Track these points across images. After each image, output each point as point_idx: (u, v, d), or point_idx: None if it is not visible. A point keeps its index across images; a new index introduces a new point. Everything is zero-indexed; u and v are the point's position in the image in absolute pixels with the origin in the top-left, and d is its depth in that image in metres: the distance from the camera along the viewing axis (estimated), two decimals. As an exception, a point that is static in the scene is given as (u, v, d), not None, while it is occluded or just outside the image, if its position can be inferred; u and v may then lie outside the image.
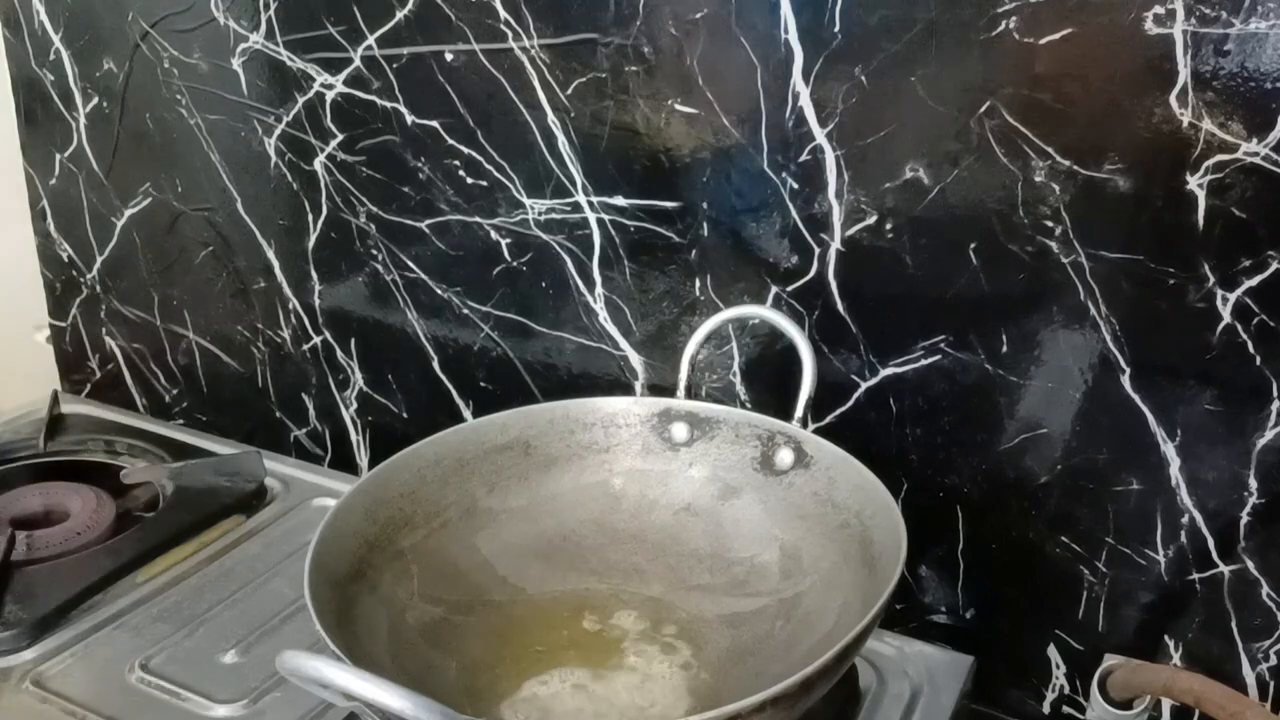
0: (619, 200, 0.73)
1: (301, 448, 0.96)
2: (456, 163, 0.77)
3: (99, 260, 1.01)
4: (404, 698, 0.39)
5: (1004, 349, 0.64)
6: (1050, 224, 0.60)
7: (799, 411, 0.63)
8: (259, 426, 0.98)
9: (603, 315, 0.77)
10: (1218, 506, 0.62)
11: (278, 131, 0.84)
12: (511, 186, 0.76)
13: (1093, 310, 0.61)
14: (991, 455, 0.67)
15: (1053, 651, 0.69)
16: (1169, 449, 0.62)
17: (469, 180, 0.77)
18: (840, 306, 0.68)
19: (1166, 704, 0.68)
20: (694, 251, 0.72)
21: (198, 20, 0.84)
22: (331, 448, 0.95)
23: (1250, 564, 0.62)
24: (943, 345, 0.66)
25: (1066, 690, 0.70)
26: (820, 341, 0.69)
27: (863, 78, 0.62)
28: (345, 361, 0.90)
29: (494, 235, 0.78)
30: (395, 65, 0.77)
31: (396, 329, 0.86)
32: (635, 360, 0.77)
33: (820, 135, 0.64)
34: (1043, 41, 0.57)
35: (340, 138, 0.81)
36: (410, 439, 0.65)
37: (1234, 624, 0.63)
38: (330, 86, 0.80)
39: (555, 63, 0.71)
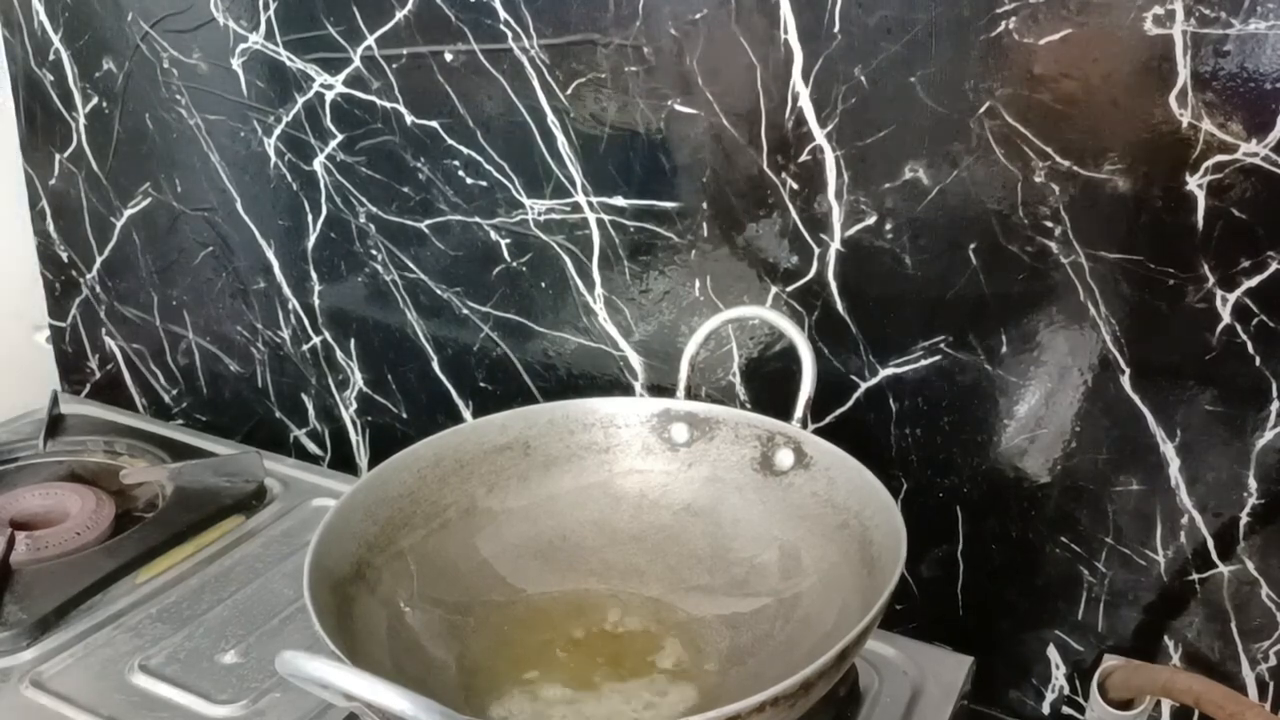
0: (619, 200, 0.73)
1: (301, 448, 0.96)
2: (456, 163, 0.77)
3: (99, 260, 1.01)
4: (404, 698, 0.39)
5: (1003, 349, 0.64)
6: (1050, 224, 0.60)
7: (799, 412, 0.63)
8: (259, 427, 0.98)
9: (602, 316, 0.77)
10: (1217, 507, 0.62)
11: (277, 132, 0.84)
12: (511, 187, 0.76)
13: (1092, 310, 0.61)
14: (991, 455, 0.67)
15: (1052, 652, 0.69)
16: (1169, 449, 0.62)
17: (469, 180, 0.77)
18: (840, 307, 0.68)
19: (1166, 704, 0.68)
20: (694, 252, 0.72)
21: (197, 20, 0.84)
22: (331, 448, 0.95)
23: (1249, 564, 0.62)
24: (942, 345, 0.66)
25: (1066, 691, 0.70)
26: (820, 342, 0.69)
27: (862, 78, 0.62)
28: (345, 362, 0.90)
29: (494, 235, 0.78)
30: (395, 65, 0.77)
31: (396, 329, 0.86)
32: (635, 360, 0.77)
33: (820, 135, 0.64)
34: (1042, 42, 0.57)
35: (340, 138, 0.81)
36: (410, 439, 0.65)
37: (1233, 624, 0.63)
38: (330, 87, 0.80)
39: (555, 63, 0.71)
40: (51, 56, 0.93)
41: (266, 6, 0.80)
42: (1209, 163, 0.55)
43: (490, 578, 0.64)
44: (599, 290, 0.76)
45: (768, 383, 0.72)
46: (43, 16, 0.92)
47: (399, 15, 0.75)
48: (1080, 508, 0.65)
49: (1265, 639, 0.63)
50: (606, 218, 0.74)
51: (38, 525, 0.77)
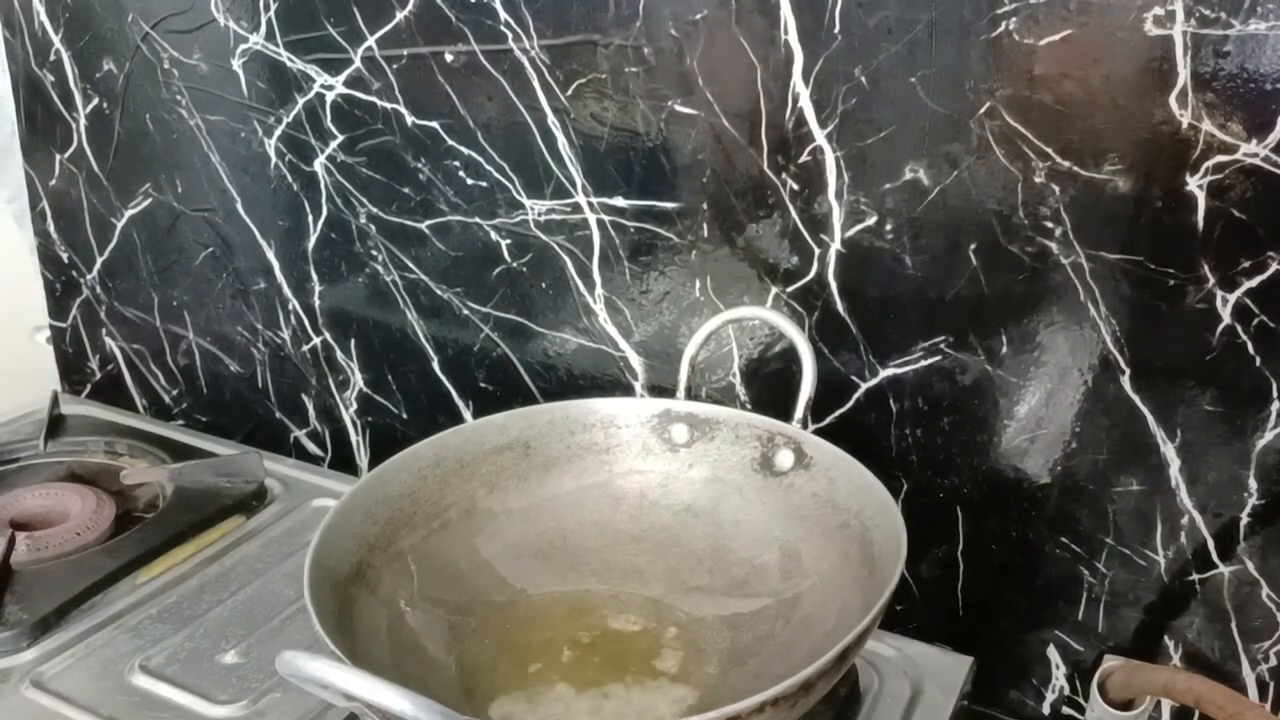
0: (619, 201, 0.73)
1: (301, 448, 0.96)
2: (456, 163, 0.77)
3: (99, 261, 1.01)
4: (404, 698, 0.39)
5: (1004, 349, 0.64)
6: (1050, 225, 0.60)
7: (799, 412, 0.63)
8: (259, 427, 0.98)
9: (602, 316, 0.77)
10: (1217, 507, 0.62)
11: (278, 132, 0.84)
12: (511, 187, 0.76)
13: (1092, 311, 0.61)
14: (991, 455, 0.67)
15: (1052, 652, 0.69)
16: (1169, 450, 0.62)
17: (469, 181, 0.77)
18: (840, 307, 0.68)
19: (1166, 705, 0.68)
20: (694, 252, 0.72)
21: (198, 21, 0.84)
22: (331, 448, 0.95)
23: (1250, 565, 0.62)
24: (942, 346, 0.66)
25: (1066, 691, 0.70)
26: (820, 342, 0.69)
27: (863, 78, 0.62)
28: (345, 362, 0.90)
29: (494, 236, 0.78)
30: (395, 66, 0.77)
31: (396, 330, 0.86)
32: (635, 361, 0.77)
33: (820, 136, 0.64)
34: (1043, 42, 0.57)
35: (340, 138, 0.81)
36: (410, 440, 0.65)
37: (1234, 625, 0.63)
38: (330, 87, 0.80)
39: (555, 64, 0.71)
40: (52, 57, 0.94)
41: (267, 7, 0.80)
42: (1209, 163, 0.55)
43: (490, 578, 0.64)
44: (599, 291, 0.76)
45: (768, 383, 0.72)
46: (43, 17, 0.92)
47: (399, 16, 0.75)
48: (1080, 508, 0.65)
49: (1266, 639, 0.63)
50: (607, 218, 0.74)
51: (38, 525, 0.77)
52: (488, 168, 0.76)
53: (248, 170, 0.87)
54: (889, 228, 0.65)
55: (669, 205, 0.71)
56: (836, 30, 0.62)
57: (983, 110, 0.59)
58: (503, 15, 0.71)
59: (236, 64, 0.84)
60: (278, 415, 0.96)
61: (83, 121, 0.95)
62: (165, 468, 0.85)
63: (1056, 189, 0.59)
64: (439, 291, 0.82)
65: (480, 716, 0.54)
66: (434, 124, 0.77)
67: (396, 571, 0.60)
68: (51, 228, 1.02)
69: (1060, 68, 0.57)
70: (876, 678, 0.64)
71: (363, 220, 0.83)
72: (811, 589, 0.60)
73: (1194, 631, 0.65)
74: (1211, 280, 0.57)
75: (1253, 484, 0.60)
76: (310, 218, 0.86)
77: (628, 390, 0.78)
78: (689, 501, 0.67)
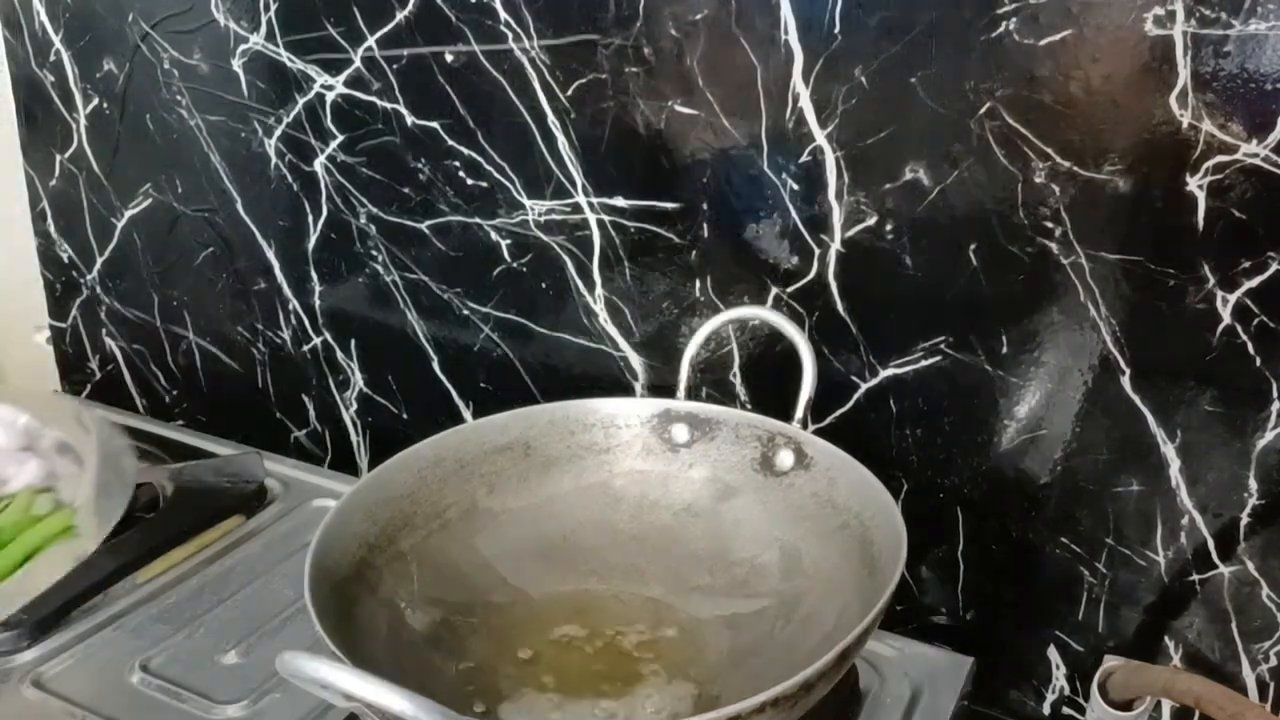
0: (619, 201, 0.73)
1: (301, 448, 0.96)
2: (457, 164, 0.77)
3: (99, 261, 1.01)
4: (404, 699, 0.39)
5: (1004, 350, 0.64)
6: (1050, 225, 0.60)
7: (799, 412, 0.64)
8: (259, 427, 0.97)
9: (603, 316, 0.77)
10: (1218, 507, 0.62)
11: (278, 132, 0.84)
12: (512, 187, 0.76)
13: (1093, 311, 0.61)
14: (991, 456, 0.67)
15: (1053, 652, 0.69)
16: (1169, 450, 0.62)
17: (469, 181, 0.77)
18: (840, 307, 0.68)
19: (1166, 705, 0.68)
20: (694, 252, 0.72)
21: (198, 21, 0.84)
22: (331, 449, 0.95)
23: (1250, 565, 0.62)
24: (943, 346, 0.66)
25: (1066, 691, 0.70)
26: (820, 342, 0.69)
27: (863, 78, 0.62)
28: (345, 362, 0.90)
29: (494, 236, 0.78)
30: (395, 66, 0.77)
31: (396, 330, 0.86)
32: (635, 361, 0.77)
33: (820, 136, 0.64)
34: (1043, 42, 0.57)
35: (340, 139, 0.81)
36: (410, 440, 0.65)
37: (1234, 625, 0.63)
38: (330, 87, 0.80)
39: (555, 64, 0.71)
40: (52, 57, 0.94)
41: (267, 7, 0.80)
42: (1209, 163, 0.55)
43: (491, 578, 0.64)
44: (599, 291, 0.76)
45: (768, 383, 0.72)
46: (43, 17, 0.92)
47: (399, 16, 0.75)
48: (1080, 508, 0.65)
49: (1266, 640, 0.63)
50: (607, 218, 0.74)
51: (38, 525, 0.77)
52: (488, 168, 0.76)
53: (248, 170, 0.87)
54: (889, 228, 0.65)
55: (669, 205, 0.71)
56: (836, 30, 0.62)
57: (983, 110, 0.59)
58: (503, 15, 0.71)
59: (236, 64, 0.84)
60: (278, 415, 0.96)
61: (83, 121, 0.95)
62: (165, 468, 0.85)
63: (1056, 189, 0.59)
64: (439, 292, 0.82)
65: (481, 717, 0.54)
66: (434, 124, 0.77)
67: (396, 571, 0.60)
68: (51, 228, 1.02)
69: (1060, 68, 0.57)
70: (876, 678, 0.64)
71: (363, 220, 0.83)
72: (811, 589, 0.60)
73: (1194, 632, 0.65)
74: (1212, 280, 0.57)
75: (1253, 484, 0.60)
76: (310, 218, 0.86)
77: (628, 390, 0.78)
78: (689, 501, 0.67)
